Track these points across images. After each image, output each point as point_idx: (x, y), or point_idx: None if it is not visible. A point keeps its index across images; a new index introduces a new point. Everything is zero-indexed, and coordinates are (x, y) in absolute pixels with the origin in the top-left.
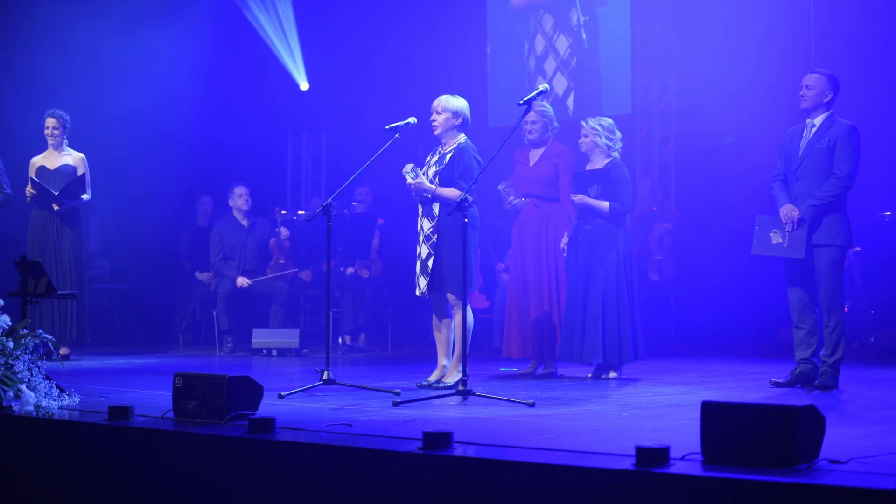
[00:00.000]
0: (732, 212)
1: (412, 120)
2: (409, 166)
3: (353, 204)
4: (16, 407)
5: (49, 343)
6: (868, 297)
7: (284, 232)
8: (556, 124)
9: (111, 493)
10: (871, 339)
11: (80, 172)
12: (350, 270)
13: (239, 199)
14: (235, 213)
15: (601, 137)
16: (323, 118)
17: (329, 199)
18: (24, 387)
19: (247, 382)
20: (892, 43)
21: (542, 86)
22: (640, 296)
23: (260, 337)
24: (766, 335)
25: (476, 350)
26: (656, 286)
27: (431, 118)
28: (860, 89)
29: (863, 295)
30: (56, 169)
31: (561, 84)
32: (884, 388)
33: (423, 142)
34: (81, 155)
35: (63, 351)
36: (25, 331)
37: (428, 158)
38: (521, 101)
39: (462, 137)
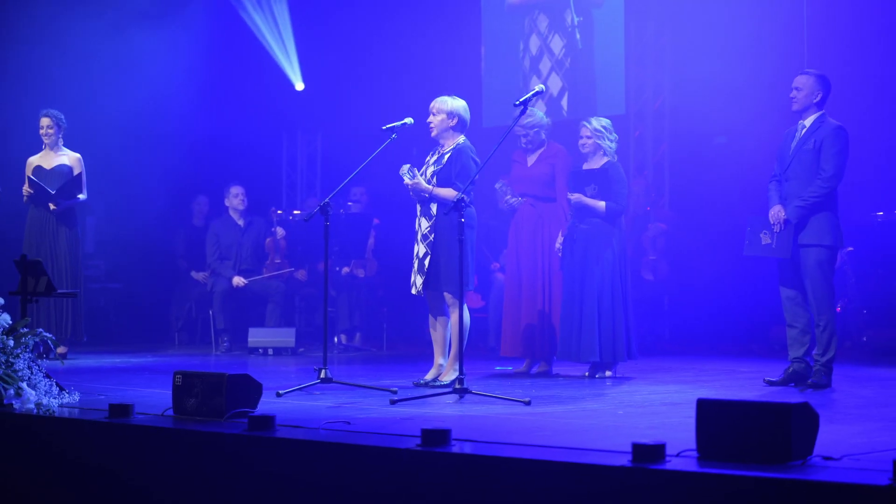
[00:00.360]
0: (726, 211)
1: (409, 120)
2: (405, 167)
3: (349, 204)
4: (17, 405)
5: (49, 341)
6: (861, 297)
7: (280, 231)
8: (546, 122)
9: (112, 490)
10: (864, 339)
11: (76, 172)
12: (346, 270)
13: (235, 198)
14: (231, 213)
15: (605, 139)
16: (318, 118)
17: (327, 199)
18: (24, 385)
19: (246, 380)
20: (885, 43)
21: (538, 87)
22: (634, 295)
23: (256, 336)
24: (759, 334)
25: (471, 349)
26: (650, 286)
27: (427, 119)
28: (854, 89)
29: (855, 294)
30: (52, 169)
31: (556, 84)
32: (876, 387)
33: (417, 142)
34: (77, 155)
35: (60, 350)
36: (25, 329)
37: (427, 158)
38: (518, 102)
39: (461, 138)
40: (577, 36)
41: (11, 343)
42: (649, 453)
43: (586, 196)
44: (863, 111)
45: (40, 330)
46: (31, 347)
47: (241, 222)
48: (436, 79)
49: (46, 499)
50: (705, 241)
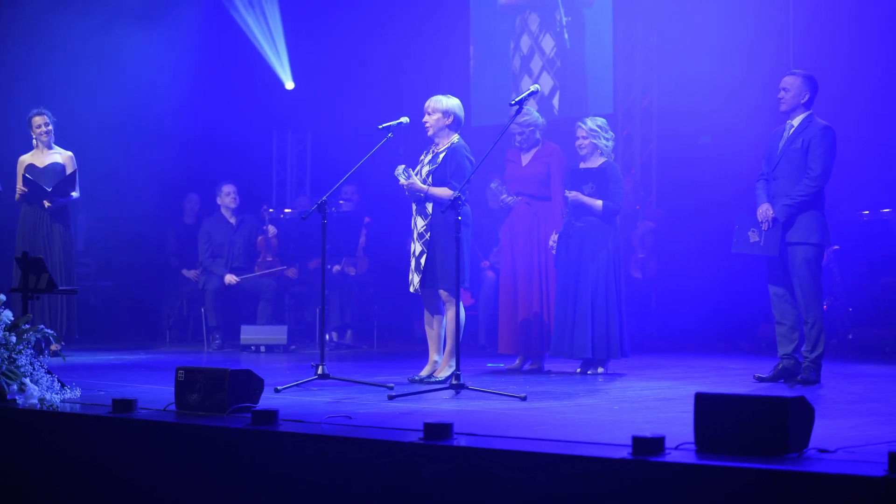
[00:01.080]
0: (713, 210)
1: (405, 119)
2: (400, 168)
3: (340, 202)
4: (20, 400)
5: (51, 338)
6: (847, 295)
7: (272, 230)
8: (541, 121)
9: (117, 484)
10: (850, 336)
11: (69, 170)
12: (337, 268)
13: (227, 197)
14: (223, 211)
15: (601, 139)
16: (308, 117)
17: (324, 197)
18: (27, 380)
19: (248, 376)
20: (871, 43)
21: (534, 86)
22: (624, 293)
23: (248, 333)
24: (747, 331)
25: (461, 346)
26: (639, 283)
27: (423, 119)
28: (840, 89)
29: (841, 293)
30: (45, 167)
31: (547, 83)
32: (865, 383)
33: (404, 142)
34: (70, 153)
35: (54, 347)
36: (27, 325)
37: (422, 157)
38: (513, 102)
39: (455, 137)
40: (566, 36)
41: (14, 339)
42: (649, 446)
43: (583, 195)
44: (848, 111)
45: (42, 326)
46: (32, 344)
47: (233, 220)
48: (425, 78)
49: (51, 493)
50: (693, 240)
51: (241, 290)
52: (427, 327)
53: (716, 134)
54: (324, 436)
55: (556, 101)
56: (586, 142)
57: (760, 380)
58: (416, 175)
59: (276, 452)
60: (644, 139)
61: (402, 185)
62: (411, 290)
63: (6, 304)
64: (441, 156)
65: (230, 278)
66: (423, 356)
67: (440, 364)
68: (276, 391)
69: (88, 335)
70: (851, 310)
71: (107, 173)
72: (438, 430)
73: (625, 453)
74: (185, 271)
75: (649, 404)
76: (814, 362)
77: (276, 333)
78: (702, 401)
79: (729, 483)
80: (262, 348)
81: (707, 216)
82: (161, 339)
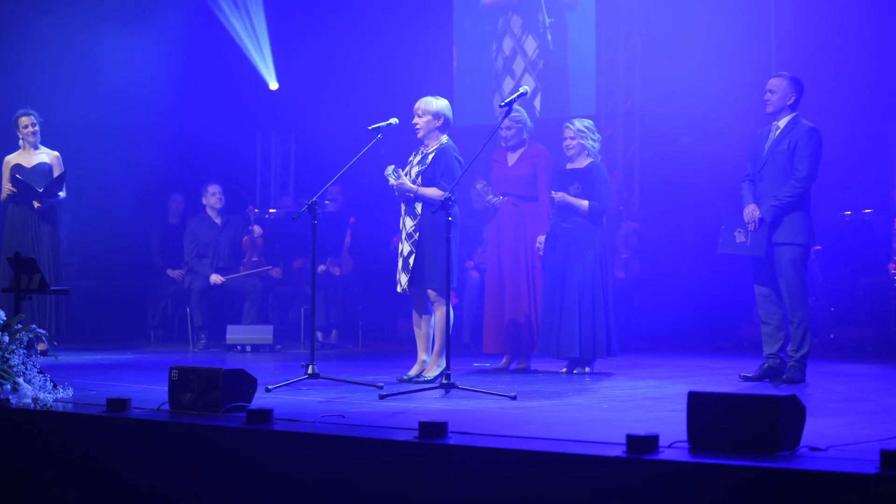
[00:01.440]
0: (696, 210)
1: (394, 121)
2: (390, 168)
3: (326, 203)
4: (13, 399)
5: (43, 338)
6: (828, 295)
7: (258, 230)
8: (529, 124)
9: (113, 483)
10: (832, 336)
11: (56, 171)
12: (322, 268)
13: (212, 197)
14: (209, 212)
15: (588, 140)
16: (292, 117)
17: (314, 198)
18: (21, 380)
19: (241, 375)
20: (852, 44)
21: (523, 88)
22: (612, 293)
23: (234, 333)
24: (729, 331)
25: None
26: (622, 284)
27: (413, 121)
28: (822, 90)
29: (823, 292)
30: (33, 167)
31: (529, 84)
32: (849, 382)
33: (387, 142)
34: (56, 153)
35: (41, 346)
36: (20, 325)
37: (411, 158)
38: (503, 104)
39: (444, 138)
40: (549, 37)
41: (6, 339)
42: (643, 444)
43: (570, 195)
44: (830, 113)
45: (34, 326)
46: (25, 343)
47: (218, 221)
48: (408, 79)
49: (48, 492)
50: (676, 240)
51: (226, 290)
52: (415, 327)
53: (698, 135)
54: (319, 435)
55: (538, 103)
56: (574, 142)
57: (746, 379)
58: (406, 175)
59: (271, 452)
60: (626, 140)
61: (392, 185)
62: (399, 289)
63: None
64: (430, 157)
65: (215, 278)
66: (408, 355)
67: (429, 363)
68: (267, 390)
69: (73, 335)
70: (833, 309)
71: (91, 173)
72: (433, 429)
73: (619, 451)
74: (169, 271)
75: (639, 403)
76: (799, 361)
77: (262, 333)
78: (695, 399)
79: (723, 481)
80: (248, 348)
81: (689, 217)
82: (146, 339)
